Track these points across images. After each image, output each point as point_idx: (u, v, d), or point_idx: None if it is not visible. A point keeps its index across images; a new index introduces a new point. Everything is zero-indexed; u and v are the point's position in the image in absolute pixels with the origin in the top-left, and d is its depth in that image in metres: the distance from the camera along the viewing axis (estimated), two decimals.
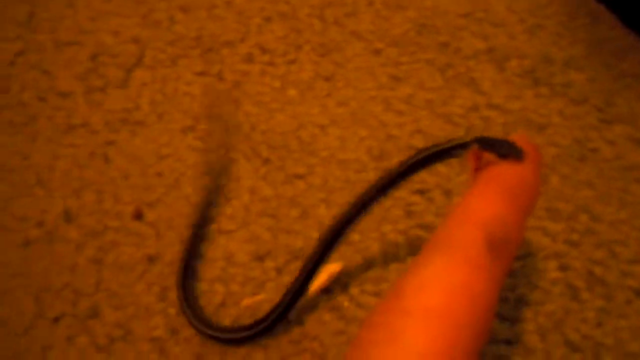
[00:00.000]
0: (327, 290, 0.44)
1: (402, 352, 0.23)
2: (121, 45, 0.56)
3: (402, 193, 0.48)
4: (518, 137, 0.31)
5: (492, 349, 0.41)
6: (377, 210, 0.47)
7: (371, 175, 0.49)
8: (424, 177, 0.48)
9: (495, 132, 0.50)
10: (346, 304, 0.44)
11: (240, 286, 0.45)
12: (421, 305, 0.25)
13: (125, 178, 0.50)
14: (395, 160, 0.49)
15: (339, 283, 0.44)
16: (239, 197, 0.49)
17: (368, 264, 0.45)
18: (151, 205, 0.49)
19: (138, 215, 0.48)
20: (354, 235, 0.46)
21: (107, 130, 0.52)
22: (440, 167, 0.49)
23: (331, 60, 0.54)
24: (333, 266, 0.46)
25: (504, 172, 0.30)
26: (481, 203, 0.28)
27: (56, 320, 0.44)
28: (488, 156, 0.31)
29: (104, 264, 0.46)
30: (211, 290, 0.45)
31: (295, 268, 0.45)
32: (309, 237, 0.46)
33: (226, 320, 0.44)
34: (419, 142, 0.50)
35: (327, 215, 0.47)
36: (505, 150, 0.30)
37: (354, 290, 0.44)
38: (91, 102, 0.54)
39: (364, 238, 0.46)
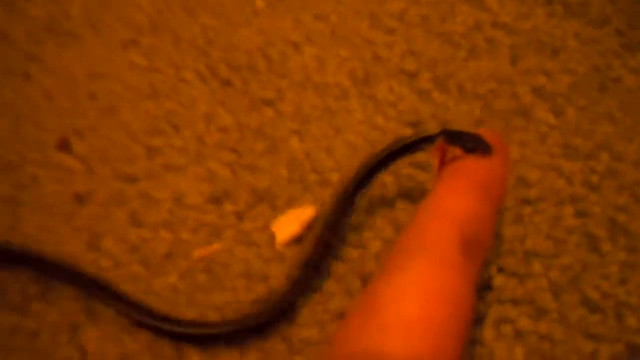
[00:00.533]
0: (299, 240, 0.37)
1: None
2: None
3: (392, 125, 0.40)
4: (485, 131, 0.32)
5: (497, 310, 0.34)
6: (362, 144, 0.40)
7: (354, 104, 0.41)
8: (416, 106, 0.41)
9: (503, 55, 0.42)
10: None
11: (192, 233, 0.37)
12: (401, 317, 0.24)
13: (49, 100, 0.41)
14: (383, 85, 0.42)
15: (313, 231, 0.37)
16: (191, 126, 0.41)
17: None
18: (81, 134, 0.40)
19: (64, 146, 0.40)
20: (333, 175, 0.39)
21: (28, 43, 0.43)
22: (436, 95, 0.41)
23: None
24: (306, 211, 0.38)
25: (473, 167, 0.30)
26: (453, 199, 0.28)
27: None
28: (454, 150, 0.31)
29: (22, 203, 0.38)
30: (156, 238, 0.37)
31: (259, 212, 0.38)
32: (278, 176, 0.39)
33: (174, 277, 0.36)
34: (412, 66, 0.42)
35: (300, 149, 0.39)
36: (473, 144, 0.30)
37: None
38: (10, 9, 0.44)
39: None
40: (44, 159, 0.39)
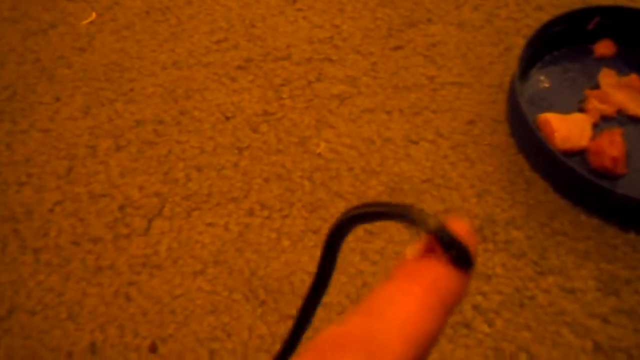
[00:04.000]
0: None
1: None
2: (144, 198, 0.68)
3: None
4: (472, 241, 0.28)
5: None
6: None
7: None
8: None
9: None
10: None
11: None
12: None
13: (143, 315, 0.59)
14: None
15: None
16: (238, 333, 0.58)
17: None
18: (164, 339, 0.58)
19: (153, 349, 0.57)
20: None
21: (129, 272, 0.62)
22: None
23: (318, 216, 0.66)
24: None
25: (441, 275, 0.27)
26: (405, 300, 0.26)
27: None
28: (438, 249, 0.27)
29: None
30: None
31: None
32: None
33: None
34: None
35: None
36: (460, 257, 0.27)
37: None
38: (117, 247, 0.64)
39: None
40: (140, 359, 0.57)
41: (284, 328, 0.58)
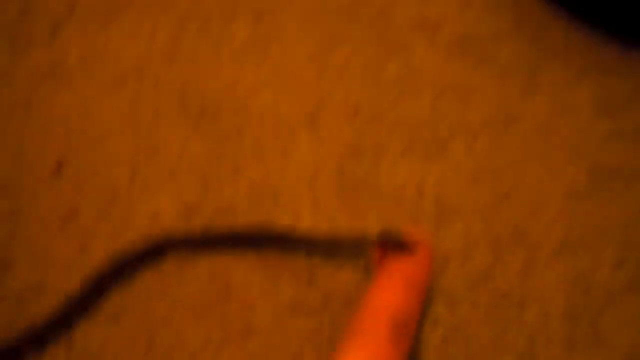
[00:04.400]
0: None
1: None
2: (50, 1, 0.54)
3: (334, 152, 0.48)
4: (412, 231, 0.41)
5: None
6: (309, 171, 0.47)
7: (303, 137, 0.49)
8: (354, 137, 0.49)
9: (424, 100, 0.51)
10: None
11: None
12: None
13: (46, 132, 0.48)
14: (332, 122, 0.50)
15: None
16: (167, 154, 0.47)
17: (297, 222, 0.45)
18: (71, 161, 0.47)
19: (58, 168, 0.46)
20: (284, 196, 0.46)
21: (30, 83, 0.50)
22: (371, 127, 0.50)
23: (266, 25, 0.54)
24: None
25: (401, 267, 0.38)
26: (384, 294, 0.37)
27: None
28: (386, 251, 0.39)
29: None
30: None
31: (220, 224, 0.45)
32: (238, 194, 0.46)
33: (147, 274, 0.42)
34: (353, 102, 0.51)
35: (257, 172, 0.47)
36: (400, 246, 0.39)
37: None
38: (15, 54, 0.51)
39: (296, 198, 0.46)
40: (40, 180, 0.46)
41: (222, 150, 0.48)
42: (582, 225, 0.45)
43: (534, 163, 0.48)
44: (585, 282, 0.43)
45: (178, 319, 0.40)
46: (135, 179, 0.46)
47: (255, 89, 0.51)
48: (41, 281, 0.42)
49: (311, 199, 0.46)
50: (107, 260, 0.41)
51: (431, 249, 0.41)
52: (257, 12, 0.55)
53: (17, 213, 0.44)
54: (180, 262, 0.43)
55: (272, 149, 0.48)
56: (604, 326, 0.41)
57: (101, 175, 0.46)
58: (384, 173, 0.47)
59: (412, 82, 0.52)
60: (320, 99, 0.51)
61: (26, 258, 0.43)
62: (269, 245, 0.43)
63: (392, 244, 0.39)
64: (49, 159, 0.46)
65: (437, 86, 0.52)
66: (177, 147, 0.48)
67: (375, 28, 0.55)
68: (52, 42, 0.52)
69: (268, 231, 0.43)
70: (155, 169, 0.47)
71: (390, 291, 0.37)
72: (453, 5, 0.56)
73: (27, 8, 0.54)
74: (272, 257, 0.43)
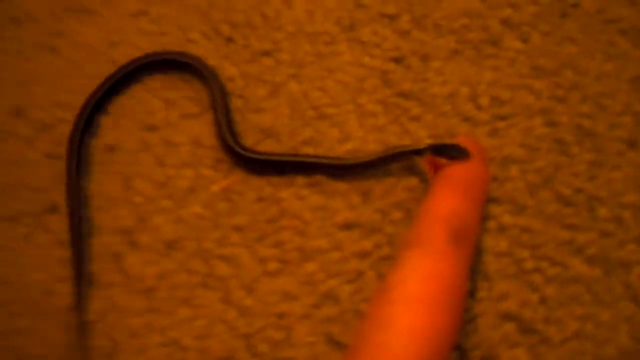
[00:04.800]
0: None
1: (394, 334, 0.29)
2: None
3: (377, 62, 0.45)
4: (464, 139, 0.38)
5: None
6: (352, 81, 0.45)
7: (342, 47, 0.46)
8: (398, 44, 0.45)
9: None
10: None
11: (211, 169, 0.42)
12: (403, 295, 0.30)
13: (76, 68, 0.46)
14: (367, 29, 0.46)
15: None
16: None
17: (345, 137, 0.43)
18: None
19: None
20: (328, 109, 0.43)
21: (51, 21, 0.48)
22: (415, 33, 0.46)
23: None
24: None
25: (456, 172, 0.36)
26: (441, 201, 0.35)
27: (12, 219, 0.41)
28: (440, 160, 0.37)
29: (61, 158, 0.42)
30: (179, 176, 0.42)
31: (266, 146, 0.43)
32: (280, 114, 0.43)
33: (196, 207, 0.41)
34: (391, 9, 0.46)
35: (298, 90, 0.44)
36: (454, 153, 0.37)
37: None
38: None
39: (340, 111, 0.43)
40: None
41: (258, 68, 0.45)
42: None
43: (596, 53, 0.44)
44: None
45: (231, 247, 0.40)
46: (171, 108, 0.44)
47: (285, 3, 0.48)
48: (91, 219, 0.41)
49: (357, 112, 0.43)
50: None
51: (486, 153, 0.38)
52: None
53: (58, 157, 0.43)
54: (228, 191, 0.41)
55: (311, 64, 0.45)
56: None
57: (135, 108, 0.45)
58: (432, 79, 0.44)
59: None
60: (355, 5, 0.47)
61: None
62: (318, 171, 0.41)
63: (446, 153, 0.37)
64: (82, 95, 0.44)
65: None
66: None
67: None
68: None
69: (315, 158, 0.41)
70: (190, 96, 0.45)
71: (446, 198, 0.35)
72: None
73: None
74: (321, 178, 0.41)
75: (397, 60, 0.45)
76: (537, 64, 0.44)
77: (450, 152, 0.37)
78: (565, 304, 0.37)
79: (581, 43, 0.45)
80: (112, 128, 0.44)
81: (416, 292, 0.30)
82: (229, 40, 0.46)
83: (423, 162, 0.40)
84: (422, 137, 0.42)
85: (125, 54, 0.46)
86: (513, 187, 0.40)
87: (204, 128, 0.43)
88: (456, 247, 0.32)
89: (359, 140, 0.42)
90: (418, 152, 0.39)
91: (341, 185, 0.41)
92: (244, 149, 0.41)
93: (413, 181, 0.40)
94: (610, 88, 0.43)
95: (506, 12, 0.46)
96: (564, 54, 0.44)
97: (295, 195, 0.40)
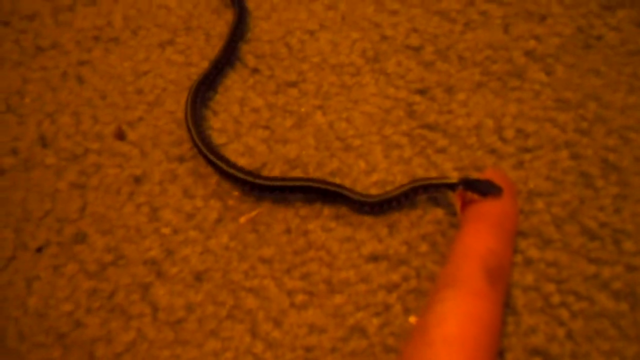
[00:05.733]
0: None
1: None
2: None
3: (402, 93, 0.45)
4: (493, 173, 0.38)
5: None
6: (377, 112, 0.45)
7: (367, 78, 0.46)
8: (422, 76, 0.46)
9: (496, 25, 0.47)
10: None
11: (238, 201, 0.42)
12: (441, 336, 0.30)
13: (102, 98, 0.46)
14: (391, 60, 0.47)
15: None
16: (227, 109, 0.46)
17: (372, 168, 0.43)
18: (132, 124, 0.45)
19: (120, 135, 0.44)
20: (354, 140, 0.44)
21: (78, 50, 0.48)
22: (439, 64, 0.46)
23: None
24: None
25: (489, 209, 0.36)
26: (476, 239, 0.35)
27: (40, 250, 0.41)
28: (472, 195, 0.37)
29: (88, 187, 0.43)
30: (207, 207, 0.42)
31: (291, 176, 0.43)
32: (306, 146, 0.44)
33: (224, 238, 0.41)
34: (415, 41, 0.47)
35: (324, 122, 0.44)
36: (486, 189, 0.37)
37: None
38: (59, 22, 0.50)
39: (365, 142, 0.44)
40: (103, 147, 0.44)
41: (284, 99, 0.46)
42: None
43: (620, 85, 0.44)
44: None
45: (258, 279, 0.40)
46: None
47: (310, 35, 0.48)
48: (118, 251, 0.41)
49: (383, 144, 0.43)
50: None
51: (515, 188, 0.39)
52: None
53: (84, 184, 0.43)
54: (255, 222, 0.42)
55: (336, 95, 0.45)
56: None
57: (164, 135, 0.45)
58: (457, 111, 0.44)
59: (479, 9, 0.48)
60: (380, 37, 0.48)
61: (98, 228, 0.42)
62: (349, 206, 0.41)
63: (478, 188, 0.37)
64: (108, 124, 0.45)
65: (508, 11, 0.48)
66: (236, 105, 0.46)
67: None
68: (94, 5, 0.50)
69: (341, 189, 0.41)
70: (216, 127, 0.45)
71: (481, 236, 0.35)
72: None
73: None
74: (348, 211, 0.41)
75: (421, 92, 0.45)
76: (562, 96, 0.44)
77: (482, 187, 0.37)
78: (592, 339, 0.37)
79: (605, 75, 0.45)
80: (140, 158, 0.44)
81: (456, 334, 0.30)
82: (255, 71, 0.47)
83: (453, 196, 0.40)
84: (448, 169, 0.42)
85: (152, 84, 0.46)
86: (539, 220, 0.40)
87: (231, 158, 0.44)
88: (492, 287, 0.33)
89: (385, 171, 0.42)
90: (451, 186, 0.39)
91: (367, 218, 0.41)
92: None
93: (439, 213, 0.40)
94: (635, 121, 0.43)
95: (530, 44, 0.46)
96: (588, 86, 0.45)
97: (322, 227, 0.41)
